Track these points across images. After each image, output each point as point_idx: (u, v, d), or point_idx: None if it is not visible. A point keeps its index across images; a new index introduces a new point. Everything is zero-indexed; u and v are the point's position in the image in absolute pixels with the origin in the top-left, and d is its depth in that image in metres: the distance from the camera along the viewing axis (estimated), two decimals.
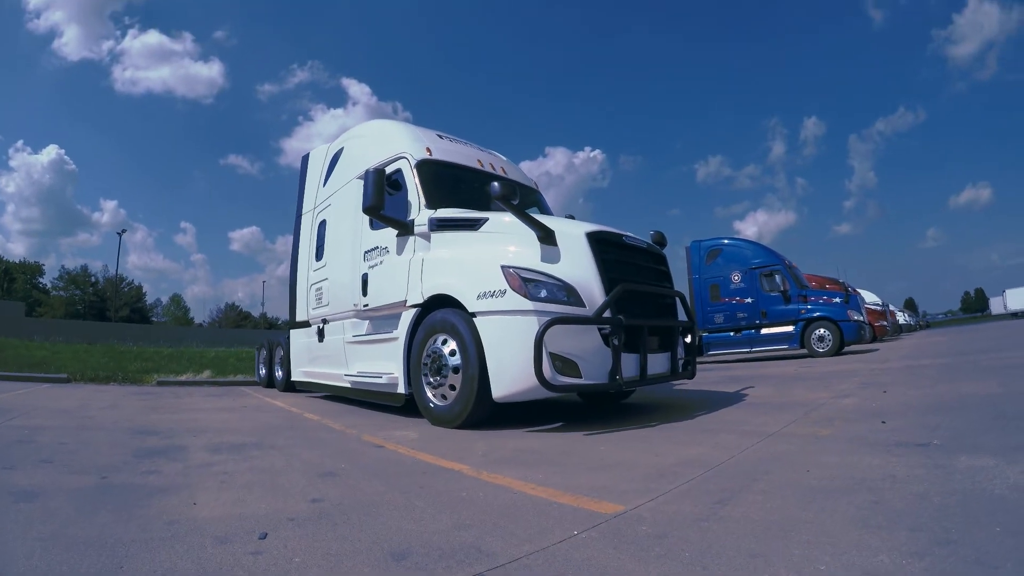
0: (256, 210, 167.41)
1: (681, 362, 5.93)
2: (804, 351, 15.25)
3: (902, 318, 44.00)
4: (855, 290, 19.52)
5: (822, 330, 15.02)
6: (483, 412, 4.91)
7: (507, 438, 4.46)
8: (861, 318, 15.77)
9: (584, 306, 4.72)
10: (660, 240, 6.27)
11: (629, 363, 4.96)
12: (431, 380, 5.28)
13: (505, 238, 5.22)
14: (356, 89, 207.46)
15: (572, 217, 6.92)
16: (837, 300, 15.39)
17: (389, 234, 6.06)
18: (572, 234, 5.05)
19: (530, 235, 5.06)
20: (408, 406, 5.76)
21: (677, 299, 6.02)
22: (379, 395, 6.21)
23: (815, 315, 15.22)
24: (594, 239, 5.04)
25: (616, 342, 4.74)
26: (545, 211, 7.39)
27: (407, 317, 5.67)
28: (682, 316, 6.07)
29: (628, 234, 5.61)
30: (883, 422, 4.18)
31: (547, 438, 4.44)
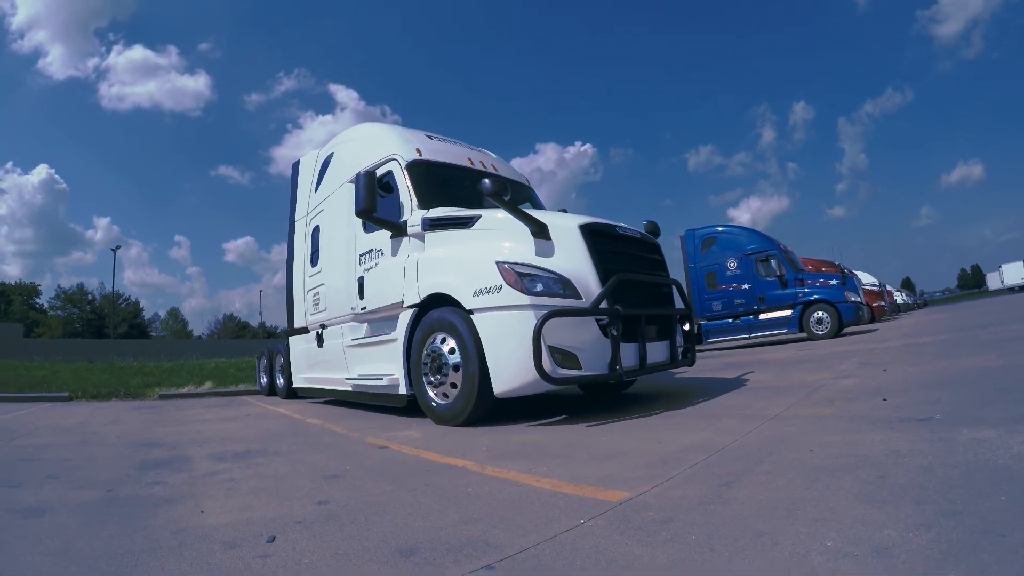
0: (249, 220, 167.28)
1: (680, 350, 5.94)
2: (803, 335, 15.27)
3: (899, 297, 43.98)
4: (851, 272, 19.52)
5: (820, 313, 15.02)
6: (485, 408, 4.91)
7: (510, 433, 4.46)
8: (858, 299, 15.75)
9: (580, 298, 4.73)
10: (653, 229, 6.28)
11: (628, 353, 4.96)
12: (432, 379, 5.28)
13: (499, 234, 5.22)
14: (344, 95, 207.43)
15: (565, 211, 6.91)
16: (834, 282, 15.38)
17: (383, 236, 6.05)
18: (565, 227, 5.06)
19: (524, 230, 5.06)
20: (410, 407, 5.76)
21: (674, 287, 6.03)
22: (381, 397, 6.20)
23: (812, 298, 15.22)
24: (587, 231, 5.04)
25: (614, 332, 4.75)
26: (538, 206, 7.39)
27: (405, 318, 5.67)
28: (679, 304, 6.08)
29: (621, 224, 5.61)
30: (884, 399, 4.19)
31: (550, 431, 4.45)
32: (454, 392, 5.06)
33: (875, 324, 21.76)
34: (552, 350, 4.52)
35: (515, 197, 6.00)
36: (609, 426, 4.39)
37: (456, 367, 5.02)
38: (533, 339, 4.38)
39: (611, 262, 5.06)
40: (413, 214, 5.81)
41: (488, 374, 4.76)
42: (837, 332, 14.76)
